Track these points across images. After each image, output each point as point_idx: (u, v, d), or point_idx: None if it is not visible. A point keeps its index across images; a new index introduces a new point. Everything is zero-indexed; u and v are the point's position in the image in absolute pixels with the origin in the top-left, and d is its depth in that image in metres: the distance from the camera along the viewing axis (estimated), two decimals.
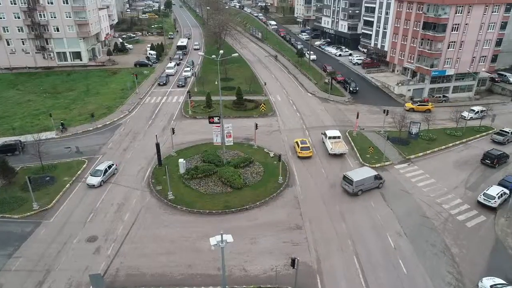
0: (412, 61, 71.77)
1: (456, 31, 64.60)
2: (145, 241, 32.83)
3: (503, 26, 67.35)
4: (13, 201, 37.77)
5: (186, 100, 63.61)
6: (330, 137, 48.14)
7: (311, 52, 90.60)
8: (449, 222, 35.65)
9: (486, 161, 45.60)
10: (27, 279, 28.85)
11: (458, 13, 63.23)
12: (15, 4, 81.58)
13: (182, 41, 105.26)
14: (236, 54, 49.26)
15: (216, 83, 64.69)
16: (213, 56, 44.48)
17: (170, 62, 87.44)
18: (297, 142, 48.01)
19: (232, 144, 45.15)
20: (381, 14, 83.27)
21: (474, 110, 59.38)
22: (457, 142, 51.37)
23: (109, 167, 42.28)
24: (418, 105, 63.19)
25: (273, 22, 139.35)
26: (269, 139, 51.64)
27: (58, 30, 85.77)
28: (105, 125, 56.00)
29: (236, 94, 62.29)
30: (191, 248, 32.03)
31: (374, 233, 33.88)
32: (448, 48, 65.70)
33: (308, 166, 45.07)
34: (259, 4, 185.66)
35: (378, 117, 58.29)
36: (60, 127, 53.45)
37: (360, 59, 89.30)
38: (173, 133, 47.78)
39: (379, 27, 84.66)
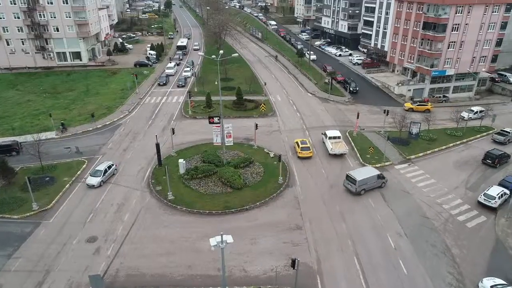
0: (412, 61, 71.72)
1: (456, 31, 64.55)
2: (145, 242, 32.77)
3: (503, 26, 67.30)
4: (13, 201, 37.70)
5: (186, 100, 63.59)
6: (330, 137, 48.10)
7: (311, 52, 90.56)
8: (450, 222, 35.60)
9: (487, 161, 45.57)
10: (27, 280, 28.79)
11: (458, 13, 63.19)
12: (15, 4, 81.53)
13: (182, 41, 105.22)
14: (236, 54, 49.22)
15: (216, 83, 64.69)
16: (213, 56, 44.41)
17: (170, 62, 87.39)
18: (297, 142, 47.96)
19: (232, 144, 45.10)
20: (381, 14, 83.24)
21: (472, 110, 59.37)
22: (458, 142, 51.34)
23: (109, 167, 42.22)
24: (417, 105, 63.17)
25: (273, 22, 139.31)
26: (269, 139, 51.60)
27: (58, 30, 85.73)
28: (105, 125, 55.94)
29: (236, 94, 62.23)
30: (191, 248, 31.98)
31: (374, 234, 33.84)
32: (448, 48, 65.65)
33: (308, 166, 45.03)
34: (259, 4, 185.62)
35: (378, 117, 58.26)
36: (60, 127, 53.39)
37: (360, 59, 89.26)
38: (173, 133, 47.76)
39: (379, 27, 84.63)
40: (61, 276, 29.09)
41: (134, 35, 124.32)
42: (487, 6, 63.72)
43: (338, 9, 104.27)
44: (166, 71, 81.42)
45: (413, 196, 39.42)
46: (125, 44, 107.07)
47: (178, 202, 37.57)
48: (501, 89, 72.78)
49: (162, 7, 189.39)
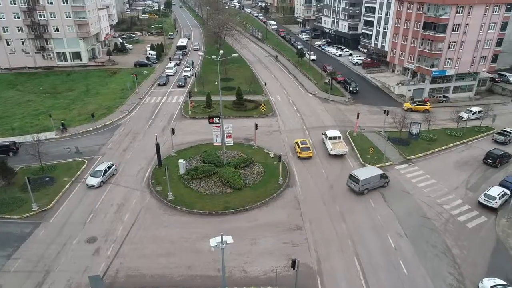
0: (412, 61, 71.65)
1: (457, 31, 64.49)
2: (145, 242, 32.72)
3: (504, 26, 67.22)
4: (13, 201, 37.64)
5: (186, 100, 63.53)
6: (330, 138, 48.04)
7: (311, 52, 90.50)
8: (450, 222, 35.54)
9: (488, 160, 45.55)
10: (27, 280, 28.74)
11: (459, 13, 63.13)
12: (15, 4, 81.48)
13: (182, 41, 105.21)
14: (236, 54, 49.15)
15: (216, 83, 64.63)
16: (213, 56, 44.34)
17: (170, 62, 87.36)
18: (297, 143, 47.91)
19: (232, 144, 45.04)
20: (381, 14, 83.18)
21: (471, 111, 59.33)
22: (458, 143, 51.29)
23: (109, 167, 42.17)
24: (416, 105, 63.15)
25: (273, 22, 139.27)
26: (269, 139, 51.54)
27: (58, 30, 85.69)
28: (104, 126, 55.88)
29: (236, 94, 62.17)
30: (191, 249, 31.92)
31: (374, 234, 33.78)
32: (449, 48, 65.59)
33: (309, 166, 44.97)
34: (259, 4, 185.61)
35: (378, 117, 58.21)
36: (61, 127, 53.34)
37: (360, 59, 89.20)
38: (173, 133, 47.71)
39: (379, 27, 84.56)
40: (60, 277, 29.03)
41: (134, 35, 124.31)
42: (487, 6, 63.66)
43: (338, 9, 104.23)
44: (166, 71, 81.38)
45: (414, 197, 39.36)
46: (125, 44, 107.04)
47: (178, 203, 37.52)
48: (501, 89, 72.73)
49: (162, 7, 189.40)
